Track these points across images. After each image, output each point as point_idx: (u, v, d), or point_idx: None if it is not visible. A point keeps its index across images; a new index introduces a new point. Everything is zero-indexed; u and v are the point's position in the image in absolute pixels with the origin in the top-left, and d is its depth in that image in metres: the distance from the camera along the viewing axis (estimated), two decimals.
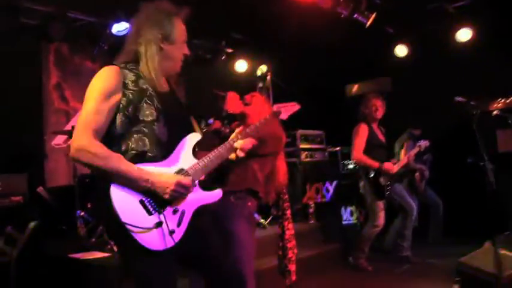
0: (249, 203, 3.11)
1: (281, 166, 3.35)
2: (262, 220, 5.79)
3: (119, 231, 1.99)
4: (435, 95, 6.42)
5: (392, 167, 5.15)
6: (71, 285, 3.98)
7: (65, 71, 6.50)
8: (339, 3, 5.67)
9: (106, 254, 4.13)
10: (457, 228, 6.07)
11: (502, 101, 5.03)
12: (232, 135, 2.48)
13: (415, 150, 5.46)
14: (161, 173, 2.08)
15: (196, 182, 2.24)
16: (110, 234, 2.32)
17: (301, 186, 6.71)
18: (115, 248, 4.03)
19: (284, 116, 2.89)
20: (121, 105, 2.11)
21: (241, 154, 2.45)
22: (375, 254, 5.54)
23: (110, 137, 2.11)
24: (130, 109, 2.11)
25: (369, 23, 5.94)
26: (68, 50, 6.55)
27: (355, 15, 5.88)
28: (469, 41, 6.70)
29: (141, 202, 2.05)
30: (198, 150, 2.33)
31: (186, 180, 2.12)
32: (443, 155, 6.40)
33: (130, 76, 2.17)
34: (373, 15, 5.92)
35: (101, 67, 2.20)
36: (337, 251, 5.85)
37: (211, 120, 3.40)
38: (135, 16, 2.29)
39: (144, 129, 2.12)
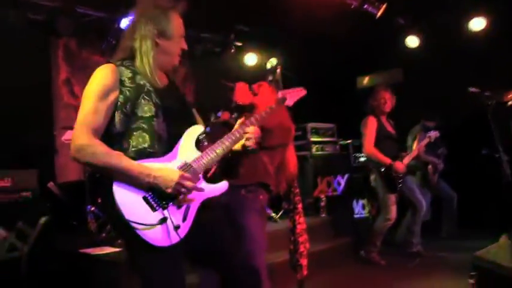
0: (261, 196, 3.09)
1: (291, 157, 3.32)
2: (273, 214, 5.76)
3: (124, 228, 1.98)
4: (448, 86, 6.33)
5: (402, 166, 5.08)
6: (81, 280, 3.98)
7: (73, 66, 6.50)
8: None
9: (116, 249, 4.12)
10: (471, 222, 6.00)
11: None
12: (236, 126, 2.44)
13: (425, 141, 5.41)
14: (163, 168, 2.06)
15: (201, 175, 2.20)
16: (116, 231, 2.30)
17: (312, 179, 6.67)
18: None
19: (290, 102, 2.82)
20: (119, 103, 2.09)
21: (249, 143, 2.41)
22: (387, 247, 5.49)
23: (110, 135, 2.09)
24: (128, 106, 2.09)
25: (379, 13, 5.87)
26: (76, 45, 6.55)
27: (366, 6, 5.82)
28: (483, 30, 6.58)
29: (144, 198, 2.03)
30: (207, 142, 2.30)
31: (189, 173, 2.09)
32: (458, 146, 6.32)
33: (127, 73, 2.14)
34: (384, 6, 5.83)
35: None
36: (348, 245, 5.81)
37: (220, 114, 3.36)
38: (128, 10, 2.26)
39: (143, 125, 2.10)
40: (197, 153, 2.20)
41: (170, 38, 2.24)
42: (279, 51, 7.21)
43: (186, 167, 2.13)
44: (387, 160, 5.05)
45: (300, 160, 6.82)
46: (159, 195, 2.04)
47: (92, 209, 5.02)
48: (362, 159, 7.16)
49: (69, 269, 4.06)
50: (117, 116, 2.09)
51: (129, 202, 1.99)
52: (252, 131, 2.43)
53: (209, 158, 2.21)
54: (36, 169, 4.68)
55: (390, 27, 6.87)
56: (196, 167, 2.16)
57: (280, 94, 2.78)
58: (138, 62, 2.18)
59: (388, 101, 5.29)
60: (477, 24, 6.60)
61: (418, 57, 7.17)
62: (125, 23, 5.85)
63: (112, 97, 2.08)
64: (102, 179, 2.07)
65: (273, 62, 3.85)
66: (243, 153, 2.53)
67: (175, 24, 2.26)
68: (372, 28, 6.30)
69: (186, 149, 2.18)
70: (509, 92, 4.87)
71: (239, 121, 2.48)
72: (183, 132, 2.20)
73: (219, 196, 2.74)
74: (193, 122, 2.31)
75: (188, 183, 2.06)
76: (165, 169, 2.05)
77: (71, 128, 5.24)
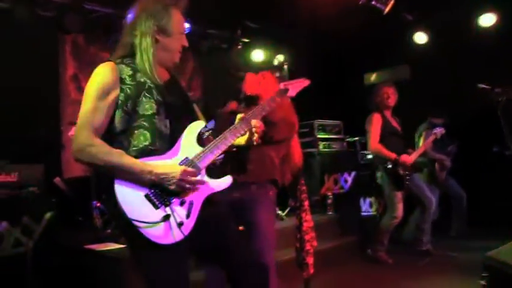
0: (271, 192, 3.10)
1: (296, 148, 3.29)
2: (279, 211, 5.73)
3: (127, 227, 1.96)
4: (456, 83, 6.27)
5: (409, 158, 5.02)
6: (86, 276, 3.97)
7: (81, 61, 6.48)
8: None
9: (121, 245, 4.10)
10: (481, 221, 5.93)
11: None
12: (236, 120, 2.39)
13: (432, 138, 5.36)
14: (165, 165, 2.04)
15: (203, 170, 2.16)
16: (119, 229, 2.28)
17: (319, 177, 6.65)
18: None
19: (292, 93, 2.76)
20: (119, 101, 2.06)
21: (253, 137, 2.36)
22: (395, 246, 5.44)
23: (111, 134, 2.07)
24: (129, 104, 2.07)
25: (387, 9, 5.80)
26: (84, 41, 6.54)
27: (373, 2, 5.75)
28: (493, 26, 6.49)
29: (146, 196, 2.01)
30: (210, 135, 2.27)
31: (191, 169, 2.07)
32: (467, 144, 6.24)
33: (127, 71, 2.12)
34: (392, 2, 5.77)
35: None
36: (355, 243, 5.78)
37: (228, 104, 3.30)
38: (132, 6, 2.22)
39: (145, 123, 2.07)
40: (199, 149, 2.17)
41: (170, 35, 2.20)
42: (286, 47, 7.21)
43: (188, 163, 2.10)
44: (392, 155, 5.00)
45: (306, 157, 6.83)
46: (161, 192, 2.02)
47: (98, 204, 5.01)
48: (369, 156, 7.09)
49: (74, 264, 4.06)
50: (118, 115, 2.06)
51: (131, 200, 1.97)
52: (255, 125, 2.38)
53: (211, 153, 2.18)
54: (43, 164, 4.68)
55: (398, 23, 6.80)
56: (198, 163, 2.13)
57: (282, 85, 2.73)
58: (138, 59, 2.15)
59: (391, 95, 5.24)
60: (487, 20, 6.51)
61: (425, 54, 7.10)
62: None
63: (112, 96, 2.05)
64: (104, 177, 2.05)
65: (280, 58, 3.81)
66: (247, 147, 2.49)
67: (176, 20, 2.23)
68: (380, 24, 6.23)
69: (188, 145, 2.16)
70: None
71: (239, 115, 2.43)
72: (185, 129, 2.18)
73: (230, 192, 2.70)
74: (195, 118, 2.29)
75: (190, 179, 2.04)
76: (167, 165, 2.04)
77: None
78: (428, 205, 5.29)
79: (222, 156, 2.25)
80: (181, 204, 2.07)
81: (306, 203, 3.71)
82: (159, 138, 2.09)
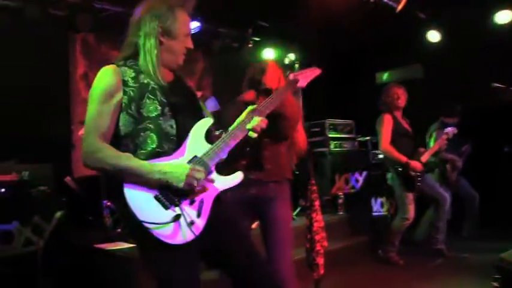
0: (287, 190, 3.12)
1: (300, 135, 3.23)
2: None
3: (137, 228, 1.95)
4: (470, 82, 6.20)
5: (420, 166, 4.98)
6: (96, 275, 3.98)
7: (91, 60, 6.49)
8: None
9: (131, 245, 4.10)
10: (493, 221, 5.86)
11: None
12: (242, 116, 2.33)
13: (444, 137, 5.29)
14: (173, 164, 2.02)
15: (213, 167, 2.14)
16: (128, 230, 2.25)
17: (330, 176, 6.63)
18: None
19: (303, 83, 2.69)
20: (123, 104, 2.05)
21: (253, 135, 2.28)
22: (406, 247, 5.38)
23: (116, 137, 2.06)
24: (133, 107, 2.05)
25: (399, 7, 5.74)
26: (94, 40, 6.55)
27: (386, 0, 5.70)
28: (509, 23, 6.40)
29: (156, 197, 1.99)
30: (218, 132, 2.24)
31: (199, 166, 2.04)
32: (480, 144, 6.15)
33: (130, 73, 2.09)
34: (404, 0, 5.71)
35: None
36: (366, 243, 5.74)
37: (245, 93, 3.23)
38: (138, 5, 2.20)
39: (150, 125, 2.05)
40: (207, 146, 2.14)
41: (175, 37, 2.17)
42: (297, 46, 7.17)
43: (196, 161, 2.08)
44: (403, 158, 4.95)
45: (317, 157, 6.80)
46: (170, 192, 2.00)
47: (108, 203, 5.01)
48: (380, 156, 7.05)
49: (84, 264, 4.06)
50: (123, 118, 2.05)
51: (141, 202, 1.96)
52: (259, 121, 2.29)
53: (220, 150, 2.15)
54: (53, 163, 4.69)
55: (410, 21, 6.73)
56: (207, 160, 2.10)
57: (291, 76, 2.67)
58: (141, 60, 2.13)
59: (401, 96, 5.18)
60: (503, 17, 6.42)
61: (438, 52, 7.03)
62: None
63: (116, 99, 2.04)
64: (113, 180, 2.04)
65: (291, 57, 3.76)
66: (260, 145, 2.43)
67: (181, 22, 2.19)
68: (392, 23, 6.18)
69: (196, 143, 2.13)
70: None
71: (247, 110, 2.35)
72: (192, 127, 2.15)
73: (246, 189, 2.84)
74: (202, 116, 2.25)
75: (199, 176, 2.01)
76: (175, 165, 2.01)
77: None
78: (443, 202, 5.23)
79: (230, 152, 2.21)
80: (191, 203, 2.05)
81: (317, 203, 3.67)
82: (165, 139, 2.07)
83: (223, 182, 2.16)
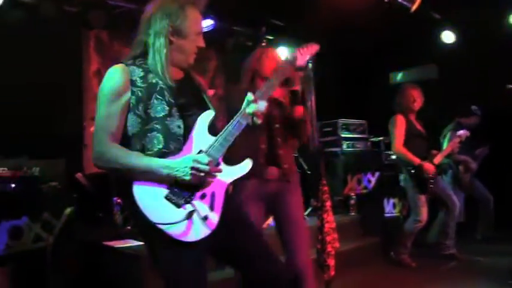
0: (299, 186, 3.21)
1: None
2: None
3: (148, 228, 1.94)
4: (485, 83, 6.12)
5: (432, 168, 4.92)
6: (104, 272, 3.97)
7: (104, 57, 6.50)
8: None
9: (140, 243, 4.08)
10: (508, 224, 5.77)
11: None
12: (244, 103, 2.27)
13: (456, 141, 5.23)
14: (178, 159, 2.00)
15: (221, 159, 2.10)
16: (139, 230, 2.23)
17: (342, 177, 6.58)
18: None
19: (301, 61, 2.63)
20: (131, 105, 2.03)
21: (257, 121, 2.20)
22: (418, 249, 5.32)
23: (124, 138, 2.05)
24: (140, 107, 2.03)
25: (414, 7, 5.68)
26: (108, 37, 6.56)
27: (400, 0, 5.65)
28: None
29: (166, 197, 1.98)
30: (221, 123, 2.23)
31: (203, 155, 2.01)
32: (494, 145, 6.08)
33: (138, 72, 2.08)
34: (419, 0, 5.65)
35: None
36: (378, 244, 5.69)
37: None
38: (149, 3, 2.17)
39: (157, 126, 2.03)
40: (211, 139, 2.10)
41: (186, 36, 2.14)
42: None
43: (201, 154, 2.05)
44: (416, 160, 4.90)
45: (329, 156, 6.75)
46: (180, 189, 1.99)
47: (118, 201, 5.01)
48: (393, 156, 6.98)
49: (93, 261, 4.06)
50: (131, 118, 2.04)
51: (152, 204, 1.96)
52: (258, 106, 2.20)
53: (224, 139, 2.09)
54: (64, 159, 4.69)
55: (425, 22, 6.66)
56: (212, 152, 2.06)
57: (289, 55, 2.62)
58: (150, 59, 2.11)
59: (417, 99, 5.12)
60: None
61: (453, 53, 6.95)
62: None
63: (124, 99, 2.03)
64: (123, 181, 2.03)
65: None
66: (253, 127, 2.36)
67: (192, 21, 2.16)
68: (406, 23, 6.12)
69: (200, 137, 2.10)
70: None
71: (247, 97, 2.29)
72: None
73: (262, 187, 2.92)
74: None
75: (203, 167, 1.97)
76: (180, 159, 1.99)
77: None
78: (452, 207, 5.16)
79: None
80: (203, 197, 2.03)
81: (328, 203, 3.62)
82: (172, 140, 2.05)
83: (232, 171, 2.14)
